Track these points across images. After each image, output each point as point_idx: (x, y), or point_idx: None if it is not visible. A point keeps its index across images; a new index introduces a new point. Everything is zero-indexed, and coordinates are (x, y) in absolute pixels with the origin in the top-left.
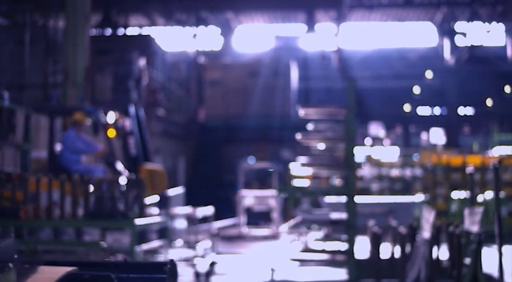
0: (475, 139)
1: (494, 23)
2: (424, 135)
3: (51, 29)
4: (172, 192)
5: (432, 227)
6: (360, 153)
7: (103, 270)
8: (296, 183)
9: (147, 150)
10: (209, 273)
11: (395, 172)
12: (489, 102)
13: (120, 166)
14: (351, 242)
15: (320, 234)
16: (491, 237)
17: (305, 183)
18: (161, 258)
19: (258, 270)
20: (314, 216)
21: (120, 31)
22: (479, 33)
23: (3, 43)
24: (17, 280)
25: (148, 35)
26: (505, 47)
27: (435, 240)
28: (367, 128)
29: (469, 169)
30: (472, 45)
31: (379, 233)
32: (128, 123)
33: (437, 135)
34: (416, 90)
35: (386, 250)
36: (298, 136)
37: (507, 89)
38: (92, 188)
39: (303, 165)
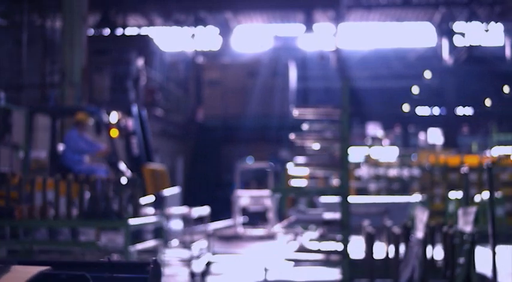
0: (474, 139)
1: (492, 23)
2: (422, 135)
3: (48, 29)
4: (167, 192)
5: (425, 227)
6: (358, 153)
7: (84, 270)
8: (293, 183)
9: (150, 150)
10: (205, 273)
11: (393, 172)
12: (488, 102)
13: (122, 166)
14: (345, 242)
15: (315, 234)
16: (488, 237)
17: (302, 183)
18: (157, 258)
19: (253, 270)
20: (307, 216)
21: (119, 31)
22: (478, 34)
23: (1, 43)
24: None
25: (147, 35)
26: (503, 47)
27: (429, 240)
28: (366, 128)
29: (464, 169)
30: (470, 45)
31: (373, 233)
32: (130, 123)
33: (435, 135)
34: (415, 90)
35: (381, 250)
36: (292, 136)
37: (506, 89)
38: (89, 188)
39: (297, 165)
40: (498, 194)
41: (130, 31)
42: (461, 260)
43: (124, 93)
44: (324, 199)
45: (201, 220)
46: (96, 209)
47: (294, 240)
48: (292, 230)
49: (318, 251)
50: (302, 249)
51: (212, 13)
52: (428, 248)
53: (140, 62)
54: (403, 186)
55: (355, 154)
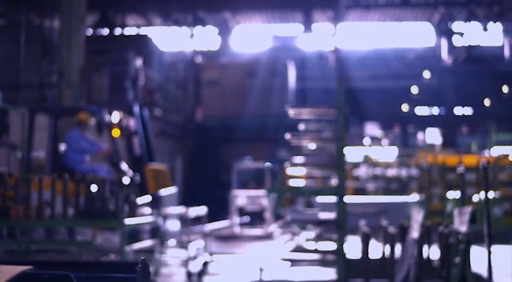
0: (473, 139)
1: (491, 23)
2: (421, 135)
3: (47, 28)
4: (164, 192)
5: (421, 227)
6: (357, 153)
7: (72, 270)
8: (292, 183)
9: (152, 150)
10: (201, 273)
11: (391, 172)
12: (487, 102)
13: (124, 166)
14: (341, 242)
15: (312, 234)
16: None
17: (300, 183)
18: (153, 257)
19: (250, 270)
20: (303, 216)
21: (117, 31)
22: (477, 33)
23: None
24: None
25: (145, 35)
26: (502, 47)
27: (426, 240)
28: (365, 128)
29: (460, 169)
30: (469, 45)
31: (369, 233)
32: (132, 123)
33: (434, 135)
34: (414, 90)
35: (378, 250)
36: (288, 136)
37: (505, 88)
38: (85, 188)
39: (293, 165)
40: (496, 194)
41: (129, 31)
42: (457, 260)
43: (122, 93)
44: (321, 199)
45: (198, 220)
46: (92, 209)
47: (292, 240)
48: (289, 229)
49: (314, 251)
50: (298, 249)
51: (211, 13)
52: (425, 247)
53: (139, 62)
54: (401, 186)
55: (354, 154)
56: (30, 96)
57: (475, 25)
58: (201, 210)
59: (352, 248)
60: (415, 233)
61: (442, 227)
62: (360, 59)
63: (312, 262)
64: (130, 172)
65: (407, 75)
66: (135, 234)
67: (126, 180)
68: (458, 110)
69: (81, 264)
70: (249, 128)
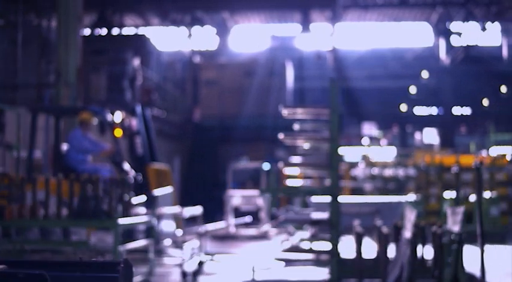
0: (471, 139)
1: (489, 23)
2: (418, 135)
3: (45, 28)
4: (159, 191)
5: (414, 227)
6: (356, 153)
7: (55, 270)
8: (289, 182)
9: (154, 150)
10: (196, 273)
11: (388, 172)
12: (485, 102)
13: (126, 166)
14: (334, 242)
15: (307, 234)
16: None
17: (297, 182)
18: (147, 257)
19: (245, 270)
20: (296, 216)
21: (115, 31)
22: (475, 33)
23: None
24: None
25: (143, 35)
26: (500, 47)
27: (420, 240)
28: (364, 128)
29: (454, 169)
30: (467, 45)
31: (362, 233)
32: (134, 122)
33: (432, 135)
34: (413, 90)
35: (372, 250)
36: (281, 136)
37: (503, 88)
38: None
39: (288, 165)
40: (493, 194)
41: (127, 31)
42: (450, 260)
43: (120, 93)
44: (316, 199)
45: (193, 220)
46: (86, 209)
47: (288, 240)
48: (285, 229)
49: (309, 251)
50: (292, 249)
51: (209, 13)
52: (419, 247)
53: (137, 61)
54: (398, 186)
55: (353, 154)
56: (28, 96)
57: (473, 25)
58: (196, 210)
59: (347, 247)
60: (407, 233)
61: (435, 227)
62: (358, 59)
63: (305, 262)
64: (132, 172)
65: (406, 75)
66: (129, 234)
67: (123, 180)
68: (457, 110)
69: (63, 264)
70: (247, 128)
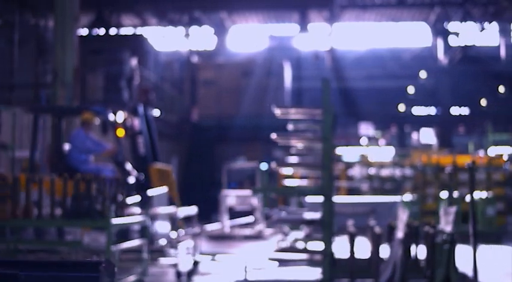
0: (470, 139)
1: (486, 23)
2: (416, 135)
3: (41, 28)
4: (154, 191)
5: (406, 227)
6: (354, 153)
7: (37, 270)
8: (286, 183)
9: (156, 150)
10: (191, 273)
11: (385, 172)
12: (483, 102)
13: (129, 166)
14: (327, 242)
15: (302, 234)
16: (478, 237)
17: (294, 182)
18: (141, 257)
19: (240, 270)
20: (288, 216)
21: (113, 31)
22: (473, 33)
23: None
24: None
25: (141, 35)
26: (498, 47)
27: (413, 240)
28: (360, 128)
29: (448, 169)
30: (465, 45)
31: (355, 233)
32: (136, 122)
33: (430, 135)
34: (411, 90)
35: (366, 250)
36: (274, 135)
37: (501, 88)
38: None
39: (283, 165)
40: (489, 194)
41: (125, 31)
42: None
43: (117, 93)
44: (310, 199)
45: (189, 220)
46: (79, 209)
47: (284, 240)
48: (280, 229)
49: (302, 251)
50: (286, 249)
51: (207, 13)
52: (412, 247)
53: (134, 61)
54: (395, 186)
55: (351, 154)
56: (24, 96)
57: (471, 25)
58: (191, 210)
59: (341, 248)
60: (400, 233)
61: (428, 226)
62: (356, 59)
63: (299, 262)
64: (134, 172)
65: (404, 75)
66: (124, 234)
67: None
68: (455, 110)
69: (44, 264)
70: (245, 128)
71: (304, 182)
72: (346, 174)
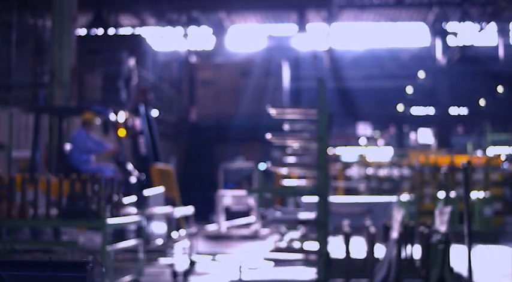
0: (468, 139)
1: (485, 23)
2: (414, 135)
3: (39, 28)
4: (150, 191)
5: (401, 227)
6: (353, 153)
7: (24, 270)
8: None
9: (157, 150)
10: (187, 272)
11: (383, 172)
12: (482, 102)
13: (130, 166)
14: (322, 242)
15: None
16: (475, 237)
17: (292, 182)
18: (137, 257)
19: (235, 270)
20: (282, 216)
21: (111, 31)
22: (471, 33)
23: None
24: None
25: (139, 35)
26: (496, 47)
27: (409, 240)
28: (358, 128)
29: (443, 169)
30: (463, 45)
31: (350, 233)
32: (138, 122)
33: (428, 135)
34: (409, 90)
35: (362, 250)
36: (269, 135)
37: (499, 88)
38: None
39: (278, 165)
40: (487, 194)
41: (123, 31)
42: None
43: (116, 93)
44: (306, 199)
45: (185, 220)
46: (75, 209)
47: (281, 240)
48: (276, 229)
49: (298, 251)
50: (282, 248)
51: (205, 13)
52: (408, 247)
53: (132, 61)
54: (393, 186)
55: (350, 154)
56: (21, 96)
57: (470, 25)
58: (188, 210)
59: (337, 248)
60: (394, 233)
61: (423, 227)
62: (355, 59)
63: (294, 262)
64: (136, 172)
65: (402, 75)
66: (120, 234)
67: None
68: (454, 110)
69: (32, 264)
70: (243, 128)
71: (301, 182)
72: (344, 174)
